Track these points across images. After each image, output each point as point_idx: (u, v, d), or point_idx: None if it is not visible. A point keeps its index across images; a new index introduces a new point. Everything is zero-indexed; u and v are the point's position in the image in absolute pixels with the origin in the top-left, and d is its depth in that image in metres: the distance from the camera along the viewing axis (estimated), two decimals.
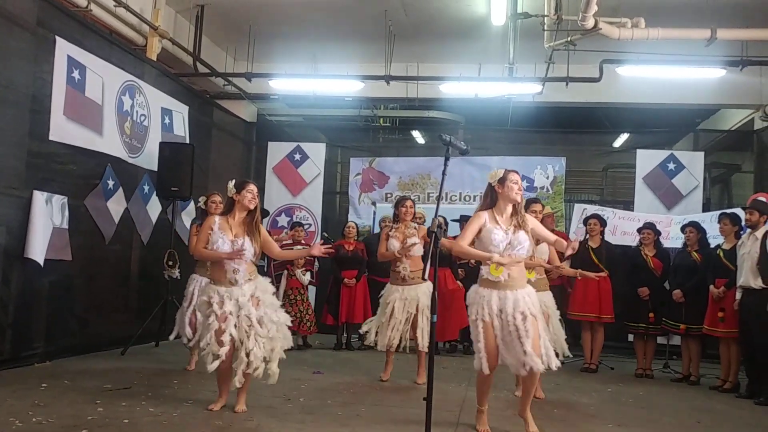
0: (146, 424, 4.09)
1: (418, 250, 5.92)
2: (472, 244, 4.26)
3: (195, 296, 5.94)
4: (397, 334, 5.87)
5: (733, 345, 6.37)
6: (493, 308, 4.15)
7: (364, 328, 6.23)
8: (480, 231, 4.24)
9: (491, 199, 4.31)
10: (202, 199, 6.10)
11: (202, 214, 6.06)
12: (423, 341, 5.82)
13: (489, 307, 4.16)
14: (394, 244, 5.93)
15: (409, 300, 5.87)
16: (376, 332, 6.04)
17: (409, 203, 6.08)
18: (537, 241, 4.69)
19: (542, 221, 7.56)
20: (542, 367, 4.13)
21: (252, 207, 4.59)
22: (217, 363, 4.37)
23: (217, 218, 4.65)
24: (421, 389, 4.95)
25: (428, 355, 3.88)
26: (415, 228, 6.03)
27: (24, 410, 4.22)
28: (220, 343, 4.38)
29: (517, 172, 4.32)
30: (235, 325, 4.42)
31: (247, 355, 4.40)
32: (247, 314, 4.44)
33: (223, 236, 4.51)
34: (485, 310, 4.16)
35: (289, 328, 7.71)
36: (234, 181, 4.69)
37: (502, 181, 4.25)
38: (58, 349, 6.23)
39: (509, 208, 4.28)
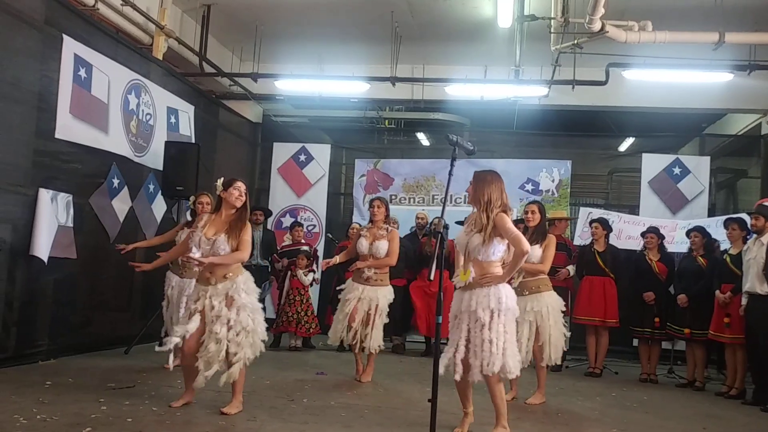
0: (149, 423, 4.08)
1: (383, 251, 5.92)
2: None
3: (173, 296, 6.08)
4: (354, 332, 5.86)
5: (739, 351, 6.34)
6: (454, 309, 4.17)
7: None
8: None
9: None
10: (192, 199, 6.14)
11: (193, 214, 6.14)
12: (371, 342, 5.83)
13: (456, 308, 4.16)
14: (363, 244, 5.98)
15: (368, 300, 5.89)
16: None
17: (376, 203, 6.08)
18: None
19: (555, 226, 7.64)
20: (476, 378, 4.02)
21: (238, 205, 4.55)
22: (170, 355, 4.43)
23: (205, 216, 4.68)
24: (424, 391, 4.92)
25: (433, 356, 3.87)
26: (386, 230, 6.02)
27: (28, 407, 4.22)
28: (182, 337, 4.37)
29: (474, 174, 4.24)
30: (205, 323, 4.37)
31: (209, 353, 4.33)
32: (216, 314, 4.35)
33: (202, 234, 4.50)
34: (452, 313, 4.18)
35: (286, 329, 7.80)
36: (222, 179, 4.68)
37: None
38: (62, 347, 6.23)
39: (476, 211, 4.21)
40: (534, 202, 5.70)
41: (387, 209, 6.11)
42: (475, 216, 4.21)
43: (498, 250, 4.09)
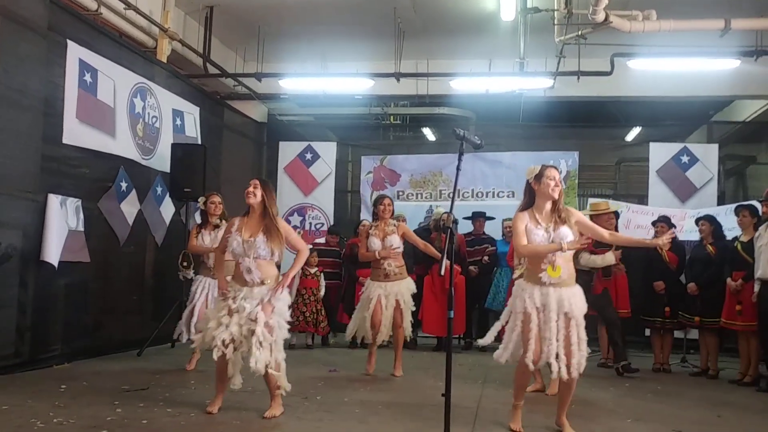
0: (165, 425, 4.10)
1: (397, 246, 6.07)
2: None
3: (198, 295, 6.05)
4: (384, 329, 6.00)
5: (752, 338, 6.31)
6: (536, 302, 4.07)
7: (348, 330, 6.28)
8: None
9: (530, 197, 4.25)
10: (201, 200, 6.18)
11: (202, 215, 6.17)
12: (406, 333, 6.12)
13: (532, 300, 4.08)
14: (375, 243, 6.06)
15: (391, 296, 6.02)
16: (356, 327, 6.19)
17: (386, 201, 6.20)
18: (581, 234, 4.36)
19: (597, 221, 7.53)
20: (565, 375, 4.03)
21: (250, 201, 4.44)
22: (215, 351, 4.30)
23: (237, 219, 4.57)
24: (437, 386, 4.93)
25: (446, 351, 3.86)
26: (394, 225, 6.15)
27: (45, 411, 4.25)
28: (216, 336, 4.33)
29: (556, 168, 4.23)
30: (239, 325, 4.31)
31: (244, 358, 4.33)
32: (252, 318, 4.29)
33: (237, 237, 4.44)
34: (526, 303, 4.09)
35: (305, 329, 7.83)
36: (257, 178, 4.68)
37: (538, 177, 4.18)
38: (76, 351, 6.27)
39: (548, 205, 4.19)
40: None
41: (393, 206, 6.30)
42: (541, 210, 4.17)
43: None
